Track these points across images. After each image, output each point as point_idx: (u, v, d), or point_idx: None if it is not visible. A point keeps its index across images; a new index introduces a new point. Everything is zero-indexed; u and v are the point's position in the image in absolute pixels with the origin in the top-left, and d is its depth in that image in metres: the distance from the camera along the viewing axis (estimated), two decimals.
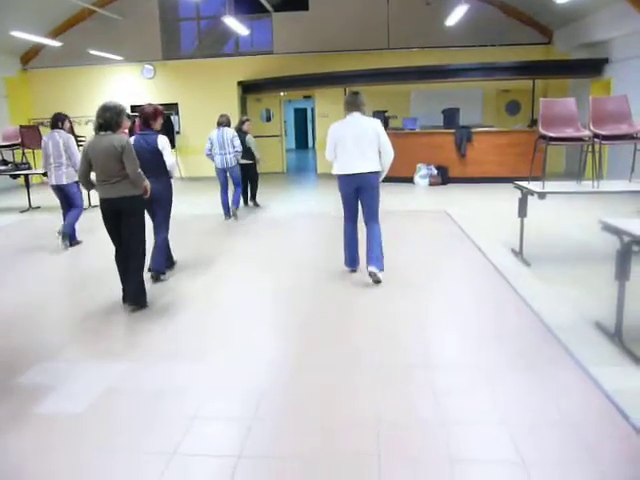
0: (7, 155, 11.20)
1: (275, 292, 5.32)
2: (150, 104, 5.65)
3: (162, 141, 5.43)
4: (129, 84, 15.35)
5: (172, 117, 15.12)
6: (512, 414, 2.99)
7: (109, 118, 4.54)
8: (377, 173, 5.29)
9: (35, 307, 4.99)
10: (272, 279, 5.68)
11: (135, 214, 4.72)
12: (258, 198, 10.36)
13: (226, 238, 7.81)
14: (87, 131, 14.09)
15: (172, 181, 5.68)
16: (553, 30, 13.75)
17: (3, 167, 10.57)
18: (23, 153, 11.00)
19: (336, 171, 5.36)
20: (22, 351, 4.00)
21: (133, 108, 15.21)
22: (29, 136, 10.90)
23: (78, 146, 12.21)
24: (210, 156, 8.70)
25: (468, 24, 12.49)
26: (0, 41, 13.32)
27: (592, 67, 11.80)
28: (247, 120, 9.95)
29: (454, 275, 5.73)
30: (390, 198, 10.79)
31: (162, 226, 5.69)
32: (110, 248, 4.86)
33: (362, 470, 2.58)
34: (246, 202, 10.21)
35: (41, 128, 11.53)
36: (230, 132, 8.66)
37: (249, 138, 9.72)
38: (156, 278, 5.56)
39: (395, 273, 5.54)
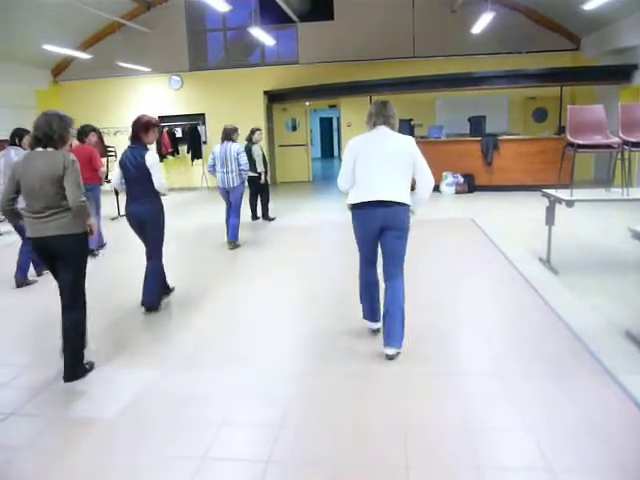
0: None
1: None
2: (145, 115, 5.02)
3: (151, 157, 4.86)
4: (157, 95, 15.60)
5: (199, 127, 15.30)
6: (540, 421, 2.97)
7: (51, 132, 3.56)
8: (407, 207, 3.93)
9: None
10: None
11: (76, 259, 3.70)
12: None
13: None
14: (116, 141, 14.40)
15: (162, 201, 5.08)
16: (581, 36, 13.62)
17: None
18: None
19: (351, 200, 4.02)
20: (52, 356, 4.09)
21: (161, 119, 15.51)
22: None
23: (108, 156, 12.52)
24: (212, 173, 7.68)
25: (494, 31, 12.45)
26: (33, 55, 13.69)
27: (621, 73, 11.65)
28: (258, 130, 9.37)
29: (481, 283, 5.70)
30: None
31: (155, 253, 5.11)
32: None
33: (390, 476, 2.58)
34: (254, 216, 9.70)
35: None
36: (235, 147, 7.55)
37: (255, 149, 9.11)
38: (149, 310, 5.07)
39: (423, 282, 5.52)
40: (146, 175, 4.85)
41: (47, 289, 4.77)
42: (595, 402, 3.16)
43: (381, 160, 3.88)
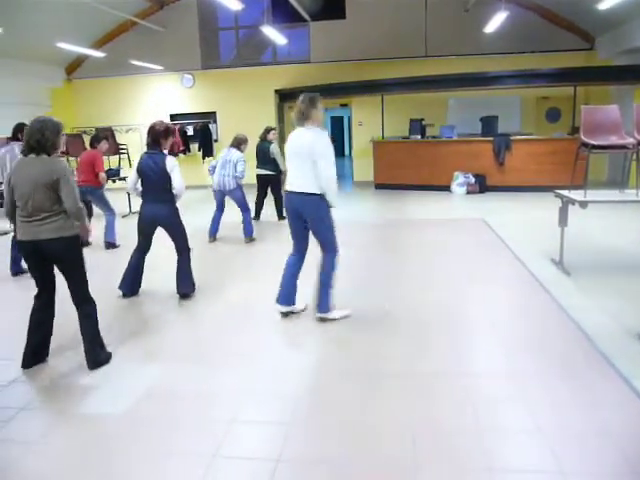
0: None
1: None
2: (162, 121, 5.30)
3: (171, 162, 5.12)
4: (169, 93, 15.66)
5: (210, 125, 15.34)
6: (551, 424, 2.95)
7: (44, 139, 3.61)
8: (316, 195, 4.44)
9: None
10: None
11: (74, 260, 3.80)
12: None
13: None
14: (128, 139, 14.47)
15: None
16: (595, 36, 13.51)
17: None
18: (67, 160, 11.30)
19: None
20: (60, 352, 4.11)
21: (172, 117, 15.59)
22: (73, 145, 11.18)
23: (120, 154, 12.63)
24: (211, 173, 8.03)
25: (507, 31, 12.37)
26: (47, 53, 13.78)
27: (636, 73, 11.52)
28: (272, 129, 9.46)
29: (493, 283, 5.66)
30: (427, 206, 10.78)
31: (184, 249, 5.41)
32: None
33: (399, 476, 2.58)
34: (258, 216, 9.66)
35: (84, 137, 11.86)
36: (236, 155, 7.89)
37: (273, 147, 9.21)
38: (184, 298, 5.40)
39: (434, 282, 5.50)
40: (166, 180, 5.08)
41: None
42: (607, 405, 3.14)
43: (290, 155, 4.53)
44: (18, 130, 6.38)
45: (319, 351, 4.09)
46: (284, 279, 4.70)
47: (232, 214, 8.28)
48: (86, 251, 4.11)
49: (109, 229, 7.85)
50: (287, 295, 4.71)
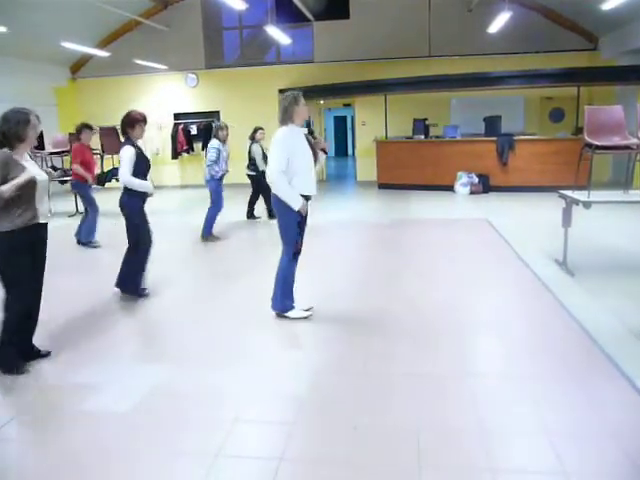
0: (56, 162, 11.57)
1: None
2: (133, 110, 5.20)
3: (123, 151, 5.04)
4: (173, 92, 15.70)
5: (214, 124, 15.32)
6: (555, 425, 2.94)
7: (7, 131, 3.51)
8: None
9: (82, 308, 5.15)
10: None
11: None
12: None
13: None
14: None
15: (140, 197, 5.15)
16: (598, 36, 13.49)
17: (54, 173, 10.90)
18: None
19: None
20: (64, 351, 4.13)
21: (176, 116, 15.62)
22: (109, 142, 11.07)
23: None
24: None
25: (510, 31, 12.35)
26: (52, 52, 13.84)
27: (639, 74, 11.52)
28: (260, 129, 9.32)
29: (496, 285, 5.67)
30: (430, 206, 10.78)
31: (130, 244, 5.27)
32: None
33: (402, 477, 2.58)
34: (249, 215, 9.57)
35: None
36: (211, 143, 7.98)
37: (254, 147, 9.14)
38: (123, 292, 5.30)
39: (437, 282, 5.51)
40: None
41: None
42: (611, 406, 3.13)
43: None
44: None
45: (321, 351, 4.09)
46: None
47: (236, 212, 8.29)
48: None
49: (85, 227, 7.78)
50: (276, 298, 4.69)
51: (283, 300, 4.63)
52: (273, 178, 4.30)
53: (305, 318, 4.64)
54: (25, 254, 3.68)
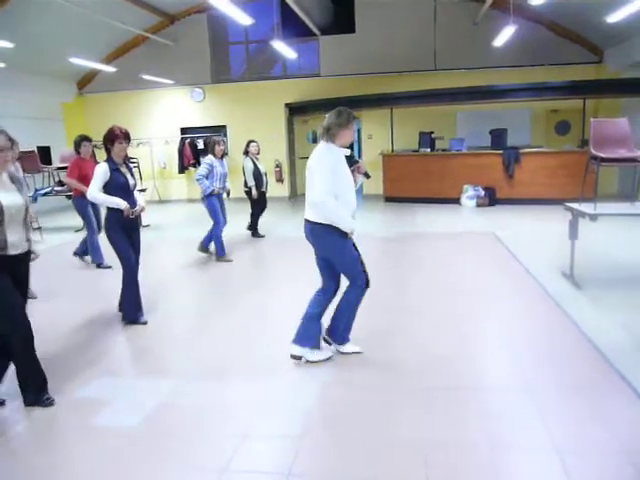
0: (63, 176, 11.63)
1: None
2: (114, 126, 4.94)
3: (97, 167, 4.93)
4: (179, 107, 15.79)
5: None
6: (563, 439, 2.92)
7: None
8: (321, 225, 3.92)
9: (84, 323, 5.16)
10: None
11: None
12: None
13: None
14: (138, 153, 14.58)
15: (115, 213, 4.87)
16: (604, 49, 13.52)
17: (60, 188, 11.00)
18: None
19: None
20: (70, 366, 4.13)
21: (183, 131, 15.71)
22: None
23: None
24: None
25: (516, 44, 12.40)
26: (60, 68, 13.99)
27: None
28: (252, 142, 9.11)
29: (503, 297, 5.64)
30: (437, 219, 10.76)
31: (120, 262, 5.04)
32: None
33: None
34: (252, 233, 9.41)
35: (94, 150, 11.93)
36: (204, 158, 7.83)
37: (245, 162, 8.94)
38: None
39: (445, 296, 5.49)
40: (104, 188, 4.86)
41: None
42: (622, 422, 3.10)
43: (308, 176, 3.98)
44: None
45: (330, 365, 4.07)
46: (303, 316, 4.12)
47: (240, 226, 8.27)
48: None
49: (84, 245, 7.57)
50: (300, 334, 4.10)
51: (344, 334, 4.18)
52: (322, 199, 3.76)
53: (359, 353, 4.21)
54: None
